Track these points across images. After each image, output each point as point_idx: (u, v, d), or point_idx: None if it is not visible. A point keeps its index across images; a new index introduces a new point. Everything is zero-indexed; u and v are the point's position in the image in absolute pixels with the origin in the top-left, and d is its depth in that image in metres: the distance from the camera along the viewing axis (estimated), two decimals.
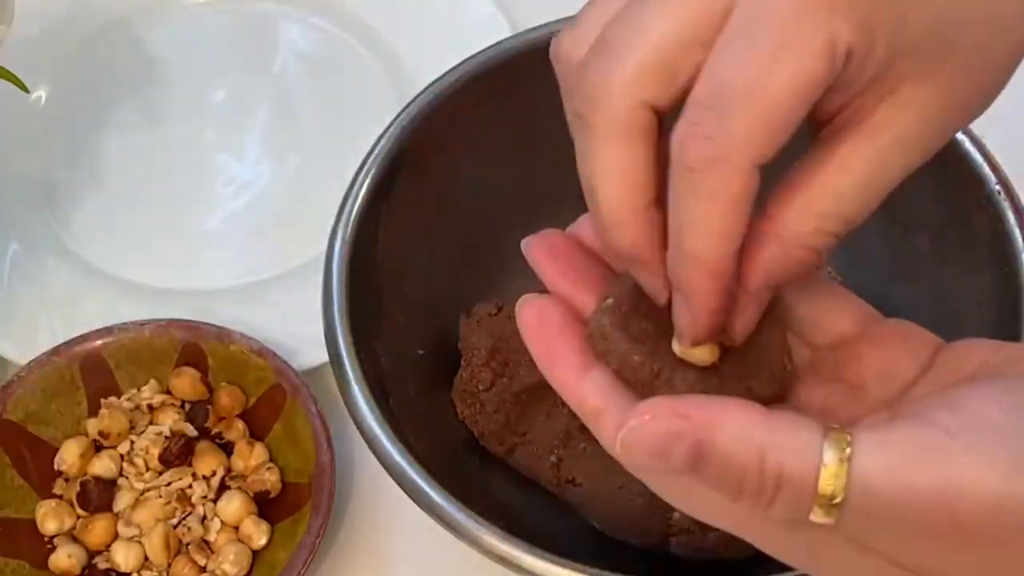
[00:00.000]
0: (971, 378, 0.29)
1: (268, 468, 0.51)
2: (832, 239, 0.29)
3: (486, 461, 0.50)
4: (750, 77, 0.26)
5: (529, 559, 0.40)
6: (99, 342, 0.53)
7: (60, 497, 0.51)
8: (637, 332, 0.30)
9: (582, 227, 0.34)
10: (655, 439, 0.27)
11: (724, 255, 0.28)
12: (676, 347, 0.30)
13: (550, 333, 0.31)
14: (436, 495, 0.41)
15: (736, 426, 0.27)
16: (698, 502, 0.29)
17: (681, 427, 0.27)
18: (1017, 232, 0.45)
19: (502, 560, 0.40)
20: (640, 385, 0.30)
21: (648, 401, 0.28)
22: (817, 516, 0.27)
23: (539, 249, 0.33)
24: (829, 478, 0.26)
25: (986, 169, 0.46)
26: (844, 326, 0.33)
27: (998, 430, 0.26)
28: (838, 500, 0.26)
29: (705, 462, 0.27)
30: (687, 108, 0.28)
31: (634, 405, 0.28)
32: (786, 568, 0.39)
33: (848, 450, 0.26)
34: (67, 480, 0.51)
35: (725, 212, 0.27)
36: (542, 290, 0.52)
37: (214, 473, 0.51)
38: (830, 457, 0.26)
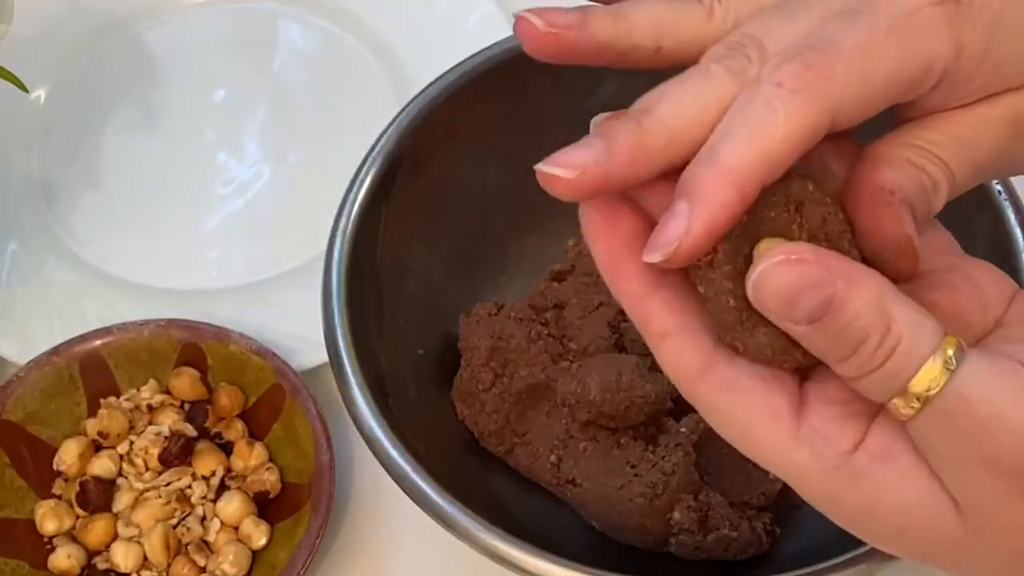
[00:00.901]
0: None
1: (268, 468, 0.51)
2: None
3: (486, 461, 0.50)
4: (863, 42, 0.27)
5: (529, 559, 0.40)
6: (98, 342, 0.53)
7: (59, 497, 0.51)
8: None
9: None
10: (791, 282, 0.27)
11: (756, 175, 0.27)
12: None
13: (618, 239, 0.29)
14: (436, 495, 0.41)
15: (873, 289, 0.27)
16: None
17: (822, 277, 0.26)
18: (1017, 232, 0.45)
19: (502, 560, 0.40)
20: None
21: (790, 244, 0.27)
22: (899, 406, 0.27)
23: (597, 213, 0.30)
24: (930, 373, 0.27)
25: None
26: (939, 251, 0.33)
27: None
28: (927, 395, 0.27)
29: (833, 316, 0.27)
30: (788, 49, 0.28)
31: (698, 330, 0.28)
32: (786, 568, 0.39)
33: (955, 357, 0.27)
34: (66, 480, 0.51)
35: (786, 137, 0.27)
36: (542, 290, 0.51)
37: (214, 473, 0.51)
38: (939, 356, 0.27)
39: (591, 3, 0.33)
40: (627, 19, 0.31)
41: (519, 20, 0.30)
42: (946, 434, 0.27)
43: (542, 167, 0.28)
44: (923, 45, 0.28)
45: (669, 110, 0.29)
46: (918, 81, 0.28)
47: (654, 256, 0.27)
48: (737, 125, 0.27)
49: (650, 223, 0.29)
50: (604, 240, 0.29)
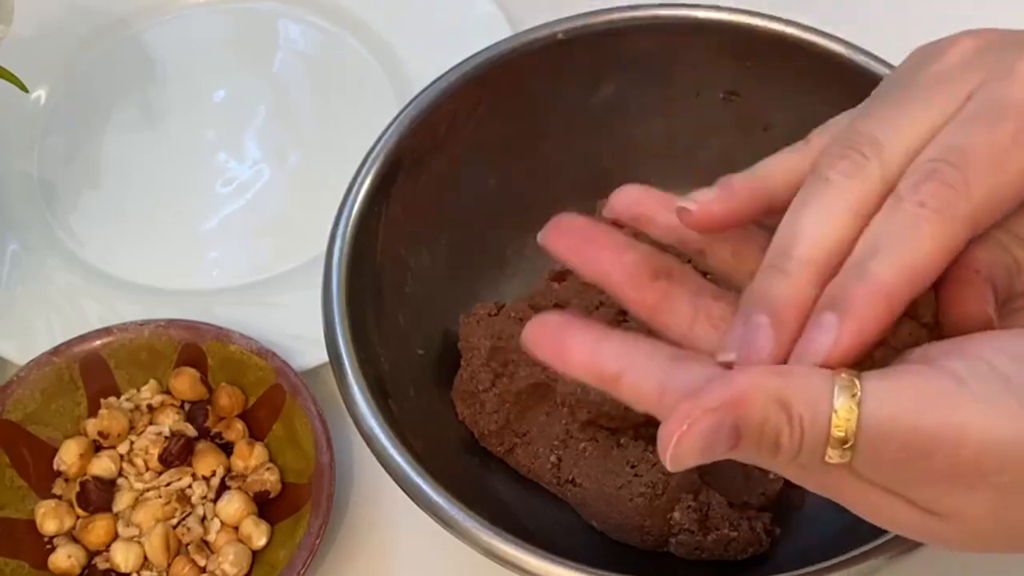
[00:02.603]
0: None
1: (268, 468, 0.51)
2: None
3: (486, 461, 0.50)
4: (993, 151, 0.29)
5: (529, 559, 0.39)
6: (99, 342, 0.53)
7: (60, 497, 0.51)
8: None
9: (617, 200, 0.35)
10: (699, 442, 0.27)
11: (907, 291, 0.29)
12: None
13: (553, 330, 0.31)
14: (436, 495, 0.41)
15: (762, 391, 0.28)
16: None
17: (717, 419, 0.27)
18: None
19: (502, 560, 0.40)
20: None
21: (677, 409, 0.28)
22: (833, 457, 0.28)
23: (560, 236, 0.34)
24: (840, 422, 0.27)
25: None
26: None
27: (1008, 379, 0.27)
28: (850, 443, 0.27)
29: (745, 436, 0.28)
30: (920, 162, 0.30)
31: (656, 359, 0.29)
32: (786, 568, 0.39)
33: (858, 395, 0.27)
34: (67, 480, 0.51)
35: (932, 253, 0.29)
36: (542, 291, 0.52)
37: (214, 473, 0.51)
38: (841, 402, 0.27)
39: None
40: (764, 184, 0.33)
41: (680, 212, 0.33)
42: (883, 465, 0.28)
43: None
44: None
45: (808, 250, 0.30)
46: None
47: (804, 363, 0.29)
48: (885, 244, 0.29)
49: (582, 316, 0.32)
50: (544, 338, 0.31)
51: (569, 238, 0.33)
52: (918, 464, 0.28)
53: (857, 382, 0.28)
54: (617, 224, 0.34)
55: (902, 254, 0.29)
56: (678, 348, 0.31)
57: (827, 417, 0.27)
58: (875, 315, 0.28)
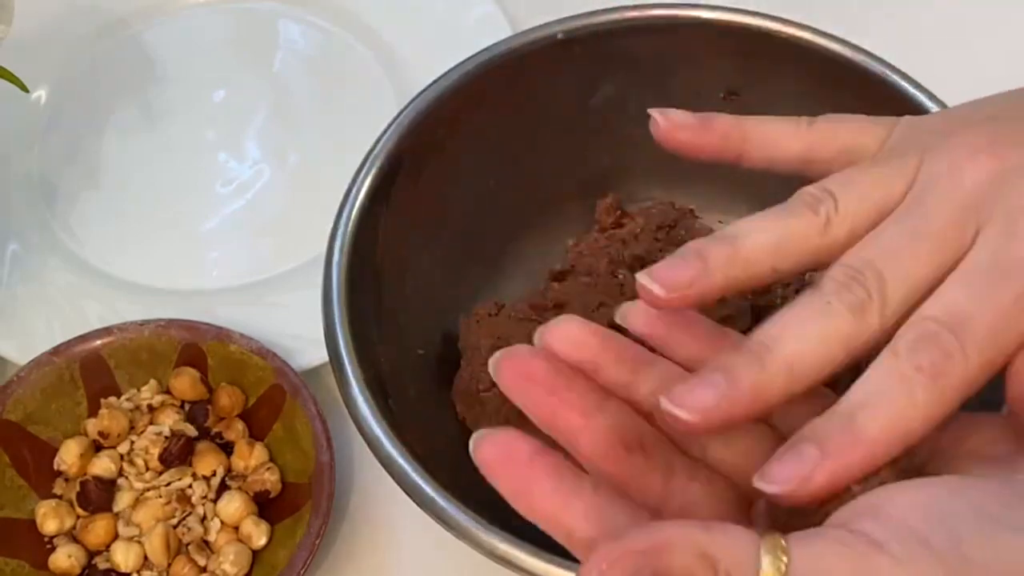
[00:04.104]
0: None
1: (268, 468, 0.51)
2: None
3: None
4: (995, 317, 0.29)
5: (529, 559, 0.39)
6: (99, 342, 0.53)
7: (60, 497, 0.51)
8: None
9: (553, 338, 0.33)
10: None
11: (890, 450, 0.29)
12: None
13: (522, 465, 0.29)
14: (436, 495, 0.41)
15: (684, 541, 0.27)
16: None
17: (636, 563, 0.26)
18: None
19: (502, 560, 0.40)
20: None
21: (599, 549, 0.27)
22: None
23: (512, 374, 0.31)
24: None
25: None
26: None
27: (925, 542, 0.26)
28: None
29: None
30: (921, 318, 0.30)
31: (626, 527, 0.28)
32: None
33: (784, 559, 0.26)
34: (67, 480, 0.51)
35: (923, 419, 0.29)
36: (542, 290, 0.52)
37: (214, 473, 0.51)
38: (767, 563, 0.26)
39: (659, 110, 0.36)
40: (740, 255, 0.32)
41: (643, 292, 0.31)
42: None
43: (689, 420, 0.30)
44: None
45: (792, 352, 0.30)
46: None
47: (770, 487, 0.29)
48: (876, 400, 0.29)
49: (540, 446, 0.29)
50: (506, 474, 0.29)
51: (528, 384, 0.31)
52: None
53: (784, 544, 0.27)
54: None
55: (891, 414, 0.29)
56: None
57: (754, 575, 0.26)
58: (852, 463, 0.28)
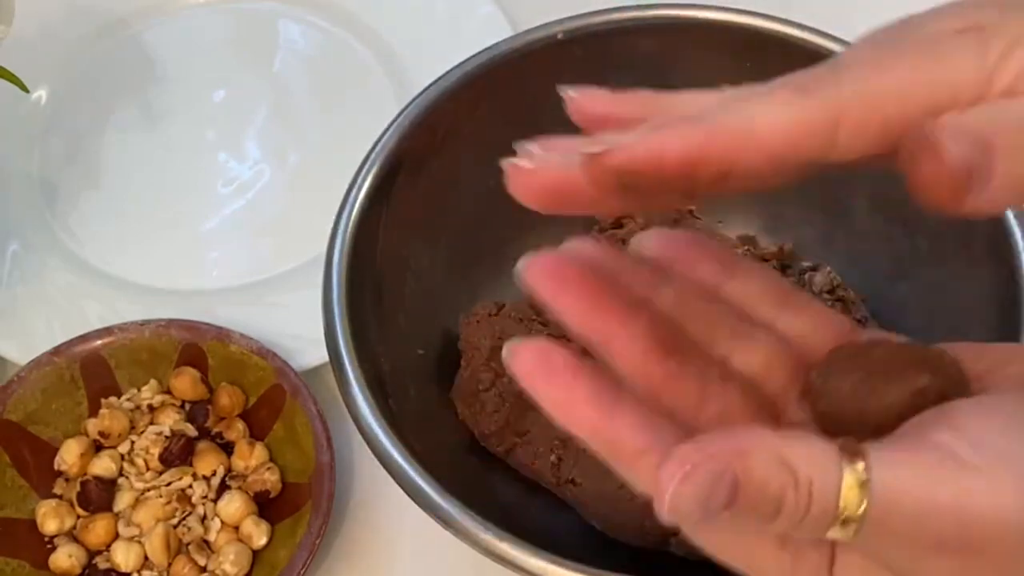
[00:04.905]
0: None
1: (268, 468, 0.51)
2: None
3: (486, 461, 0.50)
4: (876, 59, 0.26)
5: (529, 559, 0.40)
6: (99, 342, 0.53)
7: (60, 497, 0.51)
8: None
9: (569, 250, 0.31)
10: (700, 489, 0.26)
11: (735, 143, 0.26)
12: None
13: (561, 373, 0.28)
14: (436, 495, 0.41)
15: (765, 448, 0.26)
16: (724, 537, 0.29)
17: (718, 467, 0.26)
18: (1017, 232, 0.45)
19: (502, 560, 0.40)
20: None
21: (677, 453, 0.26)
22: (835, 532, 0.27)
23: (544, 274, 0.30)
24: (849, 494, 0.26)
25: None
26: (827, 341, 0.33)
27: (1004, 455, 0.26)
28: (858, 515, 0.26)
29: (743, 492, 0.26)
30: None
31: (674, 438, 0.27)
32: None
33: (861, 465, 0.26)
34: (67, 480, 0.51)
35: (776, 124, 0.26)
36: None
37: (214, 473, 0.51)
38: (848, 473, 0.26)
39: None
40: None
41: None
42: (890, 540, 0.27)
43: None
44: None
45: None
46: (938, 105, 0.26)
47: (591, 147, 0.26)
48: (730, 105, 0.27)
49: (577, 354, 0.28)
50: (549, 382, 0.28)
51: (561, 285, 0.29)
52: (925, 539, 0.26)
53: (863, 450, 0.26)
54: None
55: (743, 113, 0.26)
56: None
57: (837, 486, 0.26)
58: (690, 138, 0.26)
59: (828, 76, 0.26)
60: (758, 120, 0.26)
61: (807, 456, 0.26)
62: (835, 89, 0.26)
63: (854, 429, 0.28)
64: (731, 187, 0.27)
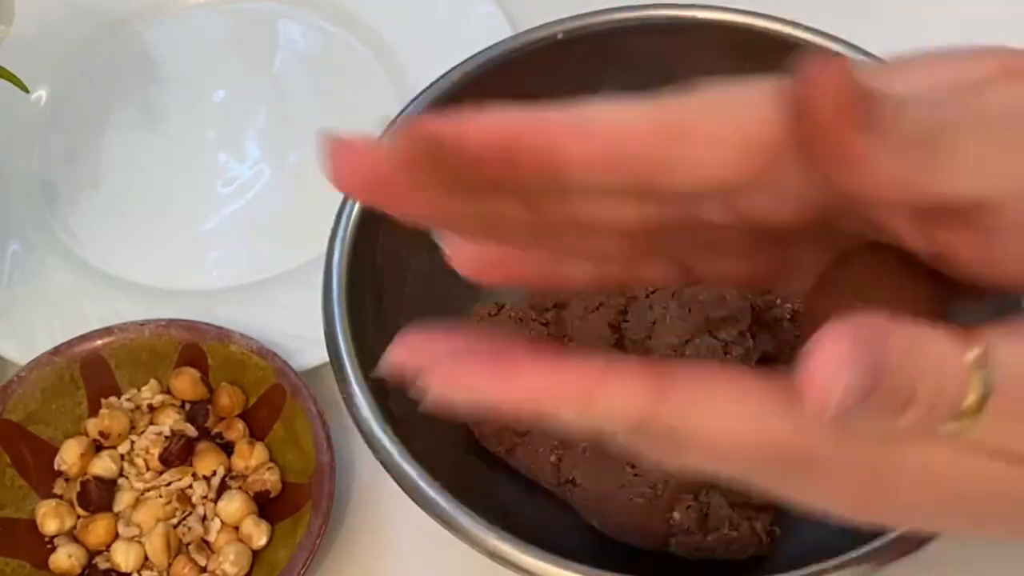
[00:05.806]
0: None
1: (268, 468, 0.51)
2: None
3: (486, 461, 0.50)
4: None
5: (529, 559, 0.40)
6: (99, 342, 0.53)
7: (60, 497, 0.51)
8: None
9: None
10: (856, 378, 0.23)
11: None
12: None
13: (480, 355, 0.27)
14: (436, 495, 0.41)
15: (900, 330, 0.25)
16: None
17: (864, 351, 0.24)
18: None
19: (502, 560, 0.40)
20: None
21: (827, 338, 0.24)
22: (953, 428, 0.25)
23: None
24: (973, 378, 0.25)
25: None
26: None
27: None
28: (982, 398, 0.25)
29: (883, 377, 0.24)
30: None
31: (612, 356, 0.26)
32: (786, 568, 0.40)
33: (979, 348, 0.25)
34: (67, 480, 0.51)
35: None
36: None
37: (214, 473, 0.51)
38: (970, 356, 0.25)
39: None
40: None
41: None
42: (1014, 426, 0.25)
43: None
44: None
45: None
46: None
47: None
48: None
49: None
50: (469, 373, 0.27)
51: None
52: None
53: (978, 335, 0.25)
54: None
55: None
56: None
57: (964, 368, 0.25)
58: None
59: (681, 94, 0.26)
60: (590, 113, 0.25)
61: (935, 343, 0.25)
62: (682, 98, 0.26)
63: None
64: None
